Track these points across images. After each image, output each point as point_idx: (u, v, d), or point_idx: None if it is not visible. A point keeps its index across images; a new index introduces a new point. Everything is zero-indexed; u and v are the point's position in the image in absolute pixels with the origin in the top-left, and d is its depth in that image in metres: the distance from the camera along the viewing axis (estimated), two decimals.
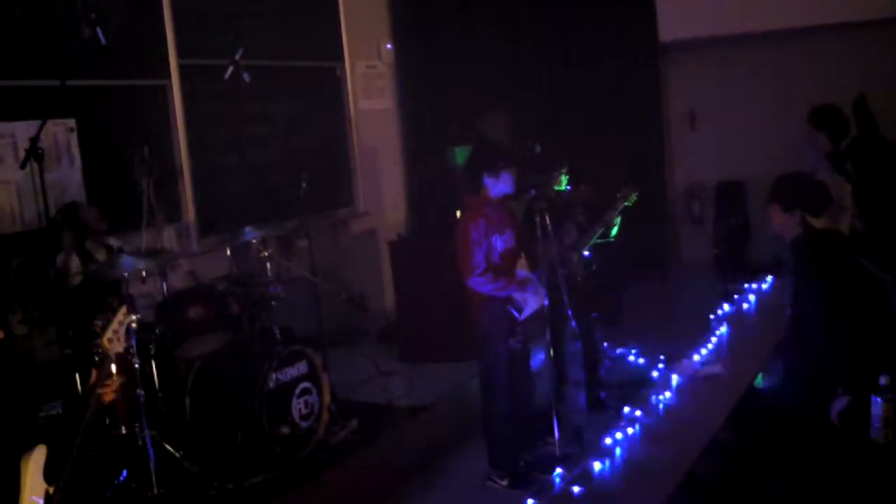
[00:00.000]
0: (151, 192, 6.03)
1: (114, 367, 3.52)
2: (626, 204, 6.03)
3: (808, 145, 6.72)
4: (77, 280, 5.42)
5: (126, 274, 5.34)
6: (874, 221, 6.45)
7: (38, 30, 5.99)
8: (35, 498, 3.23)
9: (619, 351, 7.24)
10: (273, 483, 4.95)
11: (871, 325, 4.52)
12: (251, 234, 5.75)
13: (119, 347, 3.49)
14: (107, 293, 5.26)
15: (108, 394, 3.44)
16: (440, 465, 5.68)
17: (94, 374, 3.45)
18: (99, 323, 3.70)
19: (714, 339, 6.78)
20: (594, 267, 6.20)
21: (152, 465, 4.78)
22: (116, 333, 3.48)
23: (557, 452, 5.25)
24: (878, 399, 4.08)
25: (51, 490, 3.26)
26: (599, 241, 6.05)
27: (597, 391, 6.32)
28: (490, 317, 5.12)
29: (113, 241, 5.81)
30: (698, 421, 5.24)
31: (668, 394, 5.92)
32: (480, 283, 5.04)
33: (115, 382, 3.47)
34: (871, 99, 6.58)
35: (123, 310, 3.52)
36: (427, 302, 7.07)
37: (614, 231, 6.04)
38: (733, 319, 7.10)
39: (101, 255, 5.62)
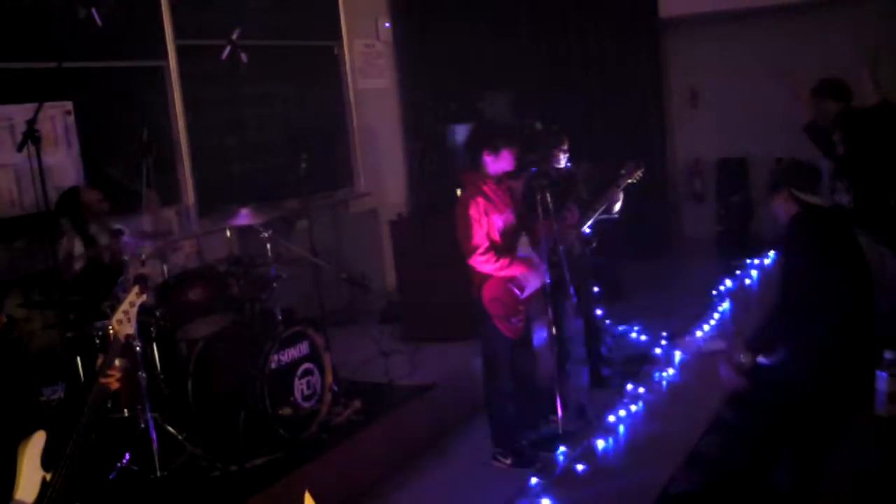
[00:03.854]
0: (151, 173, 5.99)
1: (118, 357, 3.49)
2: (630, 181, 6.01)
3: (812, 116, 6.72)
4: (80, 265, 5.39)
5: (128, 257, 5.32)
6: (867, 194, 6.42)
7: (34, 12, 5.95)
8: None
9: (621, 328, 7.24)
10: (276, 464, 4.94)
11: (864, 299, 4.52)
12: (251, 216, 5.73)
13: (129, 329, 3.45)
14: (110, 276, 5.25)
15: (113, 382, 3.40)
16: (443, 444, 5.68)
17: (99, 359, 3.42)
18: (108, 303, 3.67)
19: (717, 316, 6.77)
20: (594, 244, 6.19)
21: (155, 448, 4.77)
22: (127, 314, 3.44)
23: (560, 430, 5.25)
24: (884, 374, 4.06)
25: (48, 477, 3.23)
26: (603, 216, 6.02)
27: (599, 368, 6.32)
28: (492, 295, 5.10)
29: (117, 225, 5.78)
30: (702, 397, 5.23)
31: (671, 370, 5.91)
32: (482, 262, 5.02)
33: (120, 369, 3.44)
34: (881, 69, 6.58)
35: (136, 290, 3.48)
36: (429, 281, 7.05)
37: (617, 207, 6.02)
38: (736, 295, 7.09)
39: (104, 240, 5.59)
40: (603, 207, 5.98)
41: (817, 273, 4.50)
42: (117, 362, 3.48)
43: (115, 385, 3.41)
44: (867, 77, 6.56)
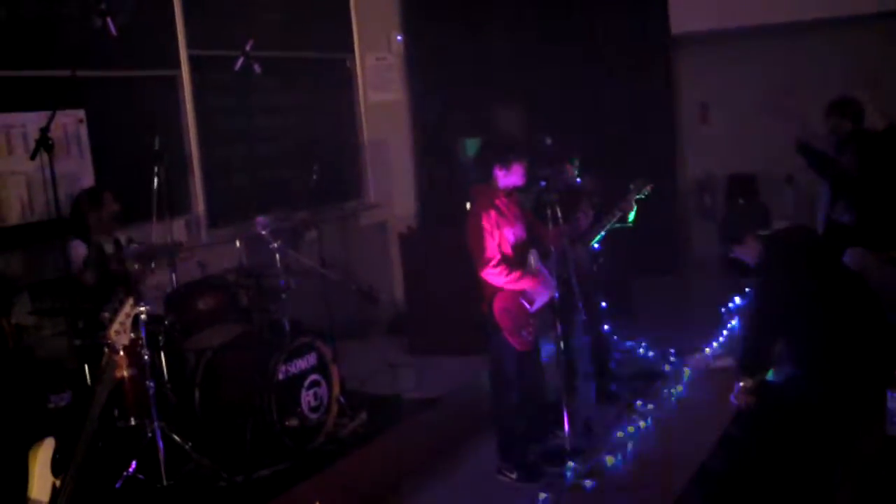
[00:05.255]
0: (162, 183, 6.01)
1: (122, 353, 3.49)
2: (639, 196, 6.00)
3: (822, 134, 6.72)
4: (94, 275, 5.39)
5: (136, 265, 5.33)
6: (875, 213, 6.40)
7: (49, 20, 5.97)
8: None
9: (629, 344, 7.21)
10: (282, 475, 4.94)
11: (869, 318, 4.52)
12: (261, 226, 5.73)
13: (125, 340, 3.47)
14: (117, 285, 5.25)
15: (122, 367, 3.42)
16: (450, 458, 5.66)
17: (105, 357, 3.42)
18: (106, 315, 3.69)
19: (726, 332, 6.76)
20: (601, 259, 6.18)
21: (161, 457, 4.77)
22: (123, 325, 3.46)
23: (568, 445, 5.23)
24: (894, 394, 4.05)
25: (57, 483, 3.24)
26: (617, 225, 6.01)
27: (607, 384, 6.31)
28: (501, 309, 5.09)
29: (120, 236, 5.79)
30: (710, 414, 5.22)
31: (679, 387, 5.91)
32: (494, 275, 5.02)
33: (125, 377, 3.46)
34: (883, 90, 6.56)
35: (130, 301, 3.50)
36: (437, 294, 7.05)
37: (631, 216, 6.00)
38: (745, 312, 7.07)
39: (109, 248, 5.60)
40: (613, 220, 5.97)
41: (796, 294, 4.53)
42: (125, 372, 3.49)
43: (121, 371, 3.42)
44: (869, 103, 6.55)
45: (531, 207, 5.55)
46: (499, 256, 5.00)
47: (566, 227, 5.22)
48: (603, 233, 5.97)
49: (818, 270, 4.66)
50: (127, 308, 3.48)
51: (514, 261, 5.10)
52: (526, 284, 5.09)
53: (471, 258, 5.11)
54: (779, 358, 5.10)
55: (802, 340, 4.62)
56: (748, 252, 4.83)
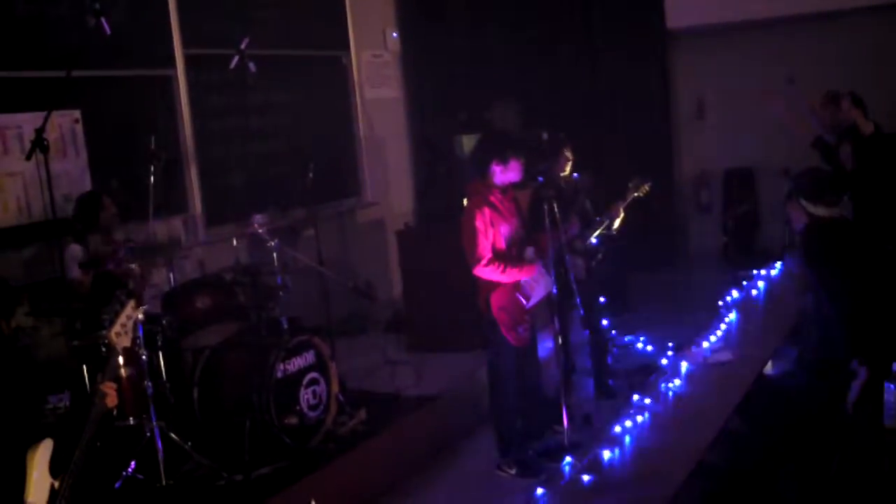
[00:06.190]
0: (159, 182, 6.01)
1: (121, 360, 3.48)
2: (637, 195, 6.01)
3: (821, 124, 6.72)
4: (89, 276, 5.39)
5: (134, 266, 5.32)
6: (871, 208, 6.41)
7: (43, 21, 5.97)
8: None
9: (627, 338, 7.22)
10: (281, 474, 4.93)
11: (887, 311, 4.50)
12: (258, 225, 5.73)
13: (126, 342, 3.46)
14: (114, 285, 5.24)
15: (112, 397, 3.40)
16: (449, 454, 5.67)
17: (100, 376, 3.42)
18: (106, 317, 3.70)
19: (723, 327, 6.76)
20: (601, 255, 6.18)
21: (160, 457, 4.77)
22: (124, 327, 3.45)
23: (566, 441, 5.23)
24: (892, 386, 4.05)
25: (56, 484, 3.24)
26: (602, 231, 6.03)
27: (605, 379, 6.31)
28: (498, 305, 5.10)
29: (118, 235, 5.79)
30: (708, 408, 5.22)
31: (677, 381, 5.90)
32: (487, 273, 5.02)
33: (123, 377, 3.44)
34: (879, 84, 6.56)
35: (132, 304, 3.49)
36: (435, 291, 7.04)
37: (617, 223, 6.02)
38: (742, 306, 7.08)
39: (107, 249, 5.59)
40: (606, 222, 5.99)
41: (828, 282, 4.51)
42: (122, 371, 3.48)
43: (112, 401, 3.40)
44: (852, 108, 6.53)
45: (528, 203, 5.55)
46: (490, 255, 5.00)
47: (556, 234, 5.20)
48: (596, 232, 5.98)
49: (847, 267, 4.60)
50: (128, 310, 3.47)
51: (510, 256, 5.10)
52: (523, 276, 5.09)
53: (465, 255, 5.11)
54: (779, 351, 5.10)
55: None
56: (796, 213, 4.74)
